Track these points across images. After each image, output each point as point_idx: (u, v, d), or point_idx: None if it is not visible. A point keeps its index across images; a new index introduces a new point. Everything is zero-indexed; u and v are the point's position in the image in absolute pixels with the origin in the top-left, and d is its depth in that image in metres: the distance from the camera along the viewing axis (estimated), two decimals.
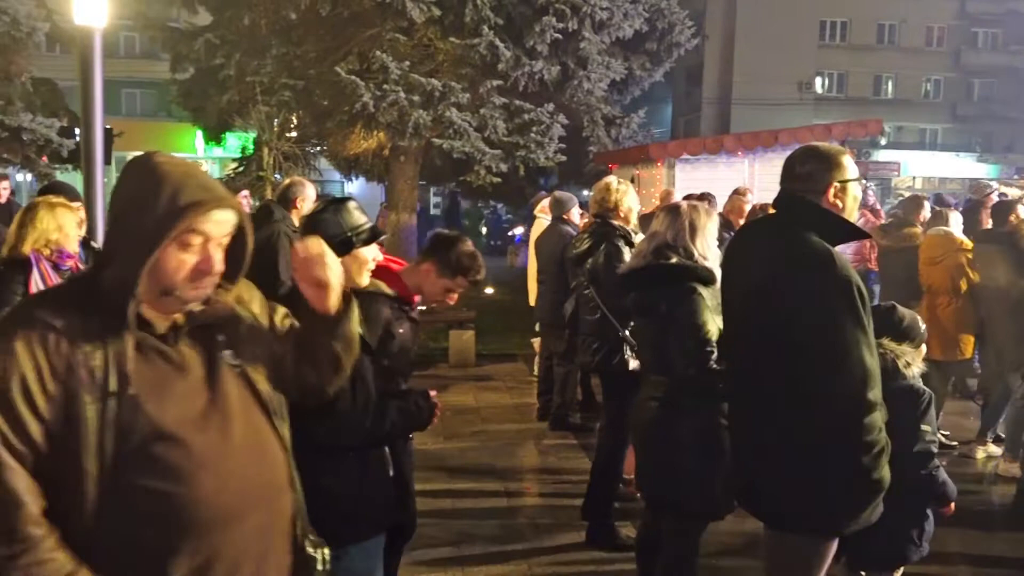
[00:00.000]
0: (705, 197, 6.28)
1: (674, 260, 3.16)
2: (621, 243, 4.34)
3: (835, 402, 2.26)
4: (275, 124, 11.84)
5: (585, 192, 12.45)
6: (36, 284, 3.45)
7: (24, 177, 18.60)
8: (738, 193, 6.94)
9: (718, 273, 3.02)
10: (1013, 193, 9.66)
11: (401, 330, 2.51)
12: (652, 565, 3.37)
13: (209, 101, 12.55)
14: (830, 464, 2.28)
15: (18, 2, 11.29)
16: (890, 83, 36.83)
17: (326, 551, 1.77)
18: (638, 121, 13.29)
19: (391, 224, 12.29)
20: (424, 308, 3.54)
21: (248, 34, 11.42)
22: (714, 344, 3.02)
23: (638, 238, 4.61)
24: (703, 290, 3.11)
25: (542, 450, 5.90)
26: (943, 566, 3.91)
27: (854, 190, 2.43)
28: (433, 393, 2.58)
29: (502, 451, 5.80)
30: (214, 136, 14.31)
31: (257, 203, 9.57)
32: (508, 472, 5.41)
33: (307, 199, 5.27)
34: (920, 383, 3.01)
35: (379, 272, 2.53)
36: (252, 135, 13.45)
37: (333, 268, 1.64)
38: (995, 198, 8.03)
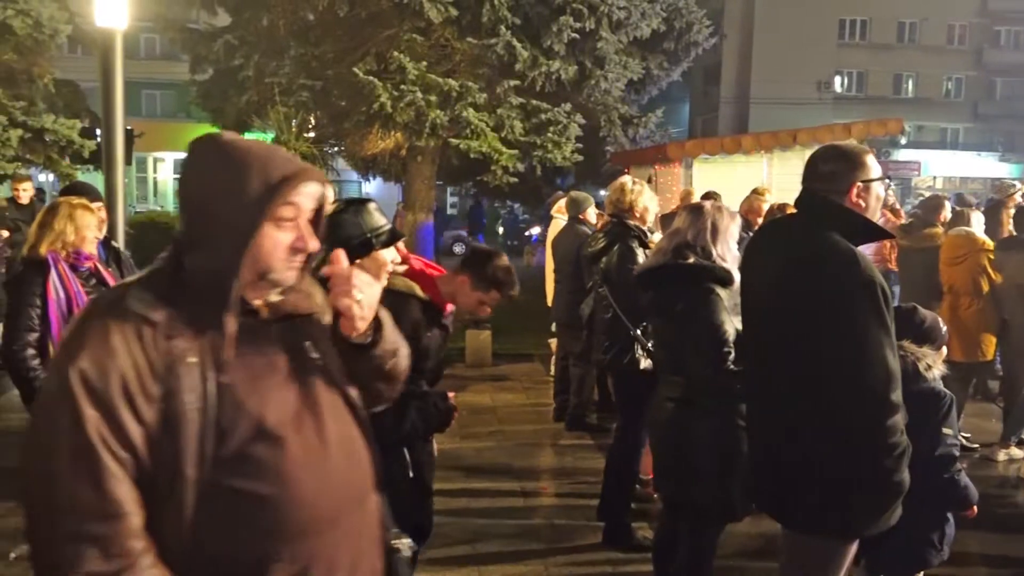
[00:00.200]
0: (710, 196, 6.25)
1: (692, 260, 3.15)
2: (635, 243, 4.36)
3: (857, 403, 2.24)
4: (293, 125, 11.88)
5: (602, 192, 12.41)
6: (54, 285, 3.46)
7: (47, 177, 18.83)
8: (756, 193, 6.90)
9: (736, 275, 3.02)
10: None
11: (429, 334, 2.53)
12: (669, 566, 3.37)
13: (228, 102, 12.62)
14: (851, 466, 2.25)
15: (41, 5, 11.45)
16: (911, 82, 36.49)
17: (407, 541, 1.74)
18: (655, 121, 13.22)
19: (408, 224, 12.33)
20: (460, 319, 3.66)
21: (267, 35, 11.50)
22: (731, 345, 3.01)
23: (655, 238, 4.62)
24: (721, 291, 3.10)
25: (559, 450, 5.90)
26: (963, 568, 3.88)
27: (877, 190, 2.41)
28: (451, 395, 2.60)
29: (519, 451, 5.81)
30: None
31: None
32: (524, 472, 5.42)
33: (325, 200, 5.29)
34: (941, 386, 2.98)
35: (416, 276, 2.57)
36: (270, 135, 13.49)
37: (364, 292, 1.48)
38: (1018, 198, 7.95)
